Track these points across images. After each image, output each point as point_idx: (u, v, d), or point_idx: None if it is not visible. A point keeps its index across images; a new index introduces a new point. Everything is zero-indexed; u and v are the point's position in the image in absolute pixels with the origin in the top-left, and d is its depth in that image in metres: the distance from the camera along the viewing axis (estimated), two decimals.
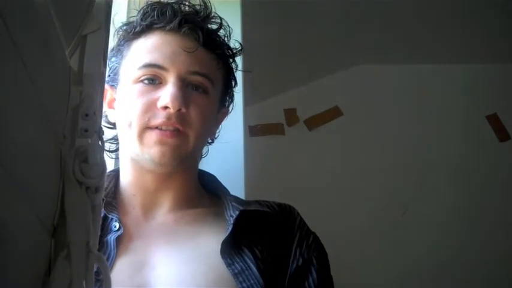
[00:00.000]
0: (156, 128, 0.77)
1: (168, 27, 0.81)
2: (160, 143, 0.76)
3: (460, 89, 1.91)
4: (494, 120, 1.91)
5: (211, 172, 0.93)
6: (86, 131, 0.44)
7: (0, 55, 0.29)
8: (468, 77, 1.91)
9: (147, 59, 0.79)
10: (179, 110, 0.77)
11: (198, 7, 0.86)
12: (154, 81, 0.79)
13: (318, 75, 1.90)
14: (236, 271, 0.73)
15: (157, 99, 0.77)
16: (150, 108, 0.77)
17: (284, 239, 0.80)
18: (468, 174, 1.84)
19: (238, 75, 1.23)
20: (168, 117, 0.76)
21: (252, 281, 0.72)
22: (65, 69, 0.44)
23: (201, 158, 0.92)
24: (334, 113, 1.93)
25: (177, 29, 0.81)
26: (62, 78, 0.44)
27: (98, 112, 0.48)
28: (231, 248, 0.75)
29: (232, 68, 0.90)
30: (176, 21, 0.81)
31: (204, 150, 0.91)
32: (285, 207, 0.85)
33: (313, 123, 1.91)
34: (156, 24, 0.82)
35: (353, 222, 1.76)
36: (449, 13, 1.71)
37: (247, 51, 1.28)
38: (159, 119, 0.76)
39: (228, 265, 0.73)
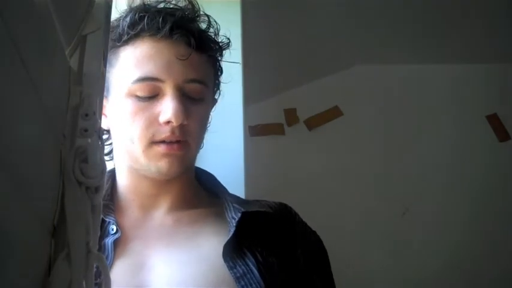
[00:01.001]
0: (161, 141, 0.76)
1: (159, 35, 0.78)
2: (168, 155, 0.76)
3: (460, 89, 1.91)
4: (494, 120, 1.91)
5: (212, 172, 0.93)
6: (86, 130, 0.44)
7: (0, 55, 0.29)
8: (468, 77, 1.91)
9: (142, 72, 0.77)
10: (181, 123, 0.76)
11: (184, 7, 0.84)
12: (151, 96, 0.77)
13: (318, 75, 1.91)
14: (238, 275, 0.72)
15: (157, 114, 0.76)
16: (152, 123, 0.76)
17: (285, 241, 0.80)
18: (468, 174, 1.84)
19: (239, 76, 1.24)
20: (172, 131, 0.76)
21: (254, 285, 0.72)
22: (65, 69, 0.44)
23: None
24: (334, 113, 1.93)
25: (168, 36, 0.78)
26: (62, 78, 0.44)
27: (98, 112, 0.48)
28: (233, 251, 0.75)
29: (220, 64, 0.88)
30: (167, 27, 0.78)
31: None
32: (282, 206, 0.85)
33: (313, 123, 1.91)
34: (146, 32, 0.79)
35: (353, 222, 1.76)
36: (449, 13, 1.71)
37: (248, 51, 1.28)
38: (163, 134, 0.76)
39: (230, 268, 0.73)
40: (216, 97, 0.90)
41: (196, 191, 0.87)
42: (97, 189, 0.43)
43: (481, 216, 1.79)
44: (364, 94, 1.92)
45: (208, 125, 0.88)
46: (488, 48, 1.83)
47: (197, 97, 0.80)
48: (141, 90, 0.77)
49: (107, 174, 0.84)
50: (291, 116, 1.92)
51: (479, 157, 1.86)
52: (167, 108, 0.75)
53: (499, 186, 1.82)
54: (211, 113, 0.89)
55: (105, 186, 0.82)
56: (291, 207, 0.86)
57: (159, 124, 0.76)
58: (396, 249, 1.76)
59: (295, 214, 0.85)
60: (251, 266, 0.74)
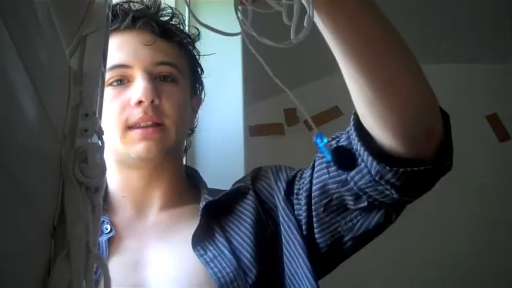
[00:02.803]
0: (136, 126, 0.78)
1: (122, 27, 0.82)
2: (144, 138, 0.77)
3: (460, 89, 1.91)
4: (494, 120, 1.91)
5: (212, 172, 0.93)
6: (86, 130, 0.44)
7: None
8: (468, 77, 1.91)
9: (112, 61, 0.80)
10: (152, 101, 0.77)
11: (147, 2, 0.88)
12: (122, 81, 0.80)
13: (318, 75, 1.90)
14: (208, 259, 0.73)
15: (129, 98, 0.78)
16: (125, 108, 0.78)
17: (252, 199, 0.81)
18: (468, 174, 1.84)
19: (239, 76, 1.24)
20: (145, 112, 0.77)
21: (224, 264, 0.72)
22: (65, 69, 0.44)
23: (185, 151, 0.93)
24: (334, 113, 1.93)
25: (131, 26, 0.82)
26: (62, 78, 0.44)
27: (98, 112, 0.48)
28: (205, 239, 0.76)
29: (195, 55, 0.91)
30: (129, 18, 0.82)
31: (187, 142, 0.93)
32: (254, 170, 0.87)
33: (313, 123, 1.91)
34: (110, 26, 0.82)
35: None
36: (450, 13, 1.71)
37: (247, 51, 1.27)
38: (137, 115, 0.77)
39: (201, 255, 0.73)
40: (198, 93, 0.92)
41: (186, 187, 0.88)
42: (97, 189, 0.43)
43: (480, 216, 1.79)
44: None
45: (195, 123, 0.91)
46: (488, 48, 1.83)
47: (168, 78, 0.82)
48: (112, 78, 0.80)
49: None
50: (291, 116, 1.92)
51: (479, 157, 1.86)
52: (137, 89, 0.78)
53: (499, 186, 1.82)
54: (198, 112, 0.91)
55: None
56: (263, 166, 0.87)
57: (132, 107, 0.78)
58: (395, 249, 1.76)
59: (263, 167, 0.86)
60: (222, 247, 0.74)
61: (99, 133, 0.47)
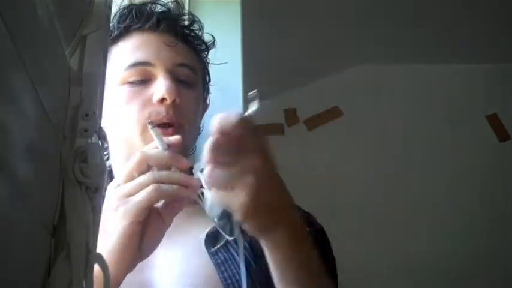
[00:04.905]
0: (157, 125, 0.77)
1: (146, 26, 0.83)
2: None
3: (460, 89, 1.91)
4: (494, 120, 1.91)
5: None
6: (86, 131, 0.44)
7: (0, 55, 0.29)
8: (468, 77, 1.91)
9: (133, 58, 0.80)
10: (174, 101, 0.78)
11: (170, 5, 0.89)
12: (144, 81, 0.80)
13: (318, 75, 1.91)
14: (219, 261, 0.73)
15: (151, 95, 0.78)
16: (146, 105, 0.78)
17: None
18: (468, 174, 1.84)
19: (238, 76, 1.24)
20: (167, 111, 0.77)
21: (234, 270, 0.72)
22: (65, 69, 0.44)
23: (190, 154, 0.93)
24: (334, 113, 1.93)
25: (155, 27, 0.83)
26: (62, 78, 0.44)
27: (98, 112, 0.48)
28: (216, 239, 0.75)
29: (206, 62, 0.92)
30: (154, 19, 0.83)
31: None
32: None
33: (313, 123, 1.91)
34: (134, 25, 0.83)
35: (352, 221, 1.76)
36: (450, 13, 1.71)
37: (248, 51, 1.28)
38: (160, 113, 0.77)
39: (212, 255, 0.73)
40: (205, 98, 0.92)
41: None
42: (97, 189, 0.43)
43: (481, 216, 1.79)
44: (364, 94, 1.92)
45: (201, 128, 0.90)
46: (488, 48, 1.83)
47: (188, 81, 0.82)
48: (133, 75, 0.80)
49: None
50: (291, 116, 1.92)
51: (479, 157, 1.86)
52: (160, 86, 0.78)
53: (499, 187, 1.83)
54: (203, 118, 0.90)
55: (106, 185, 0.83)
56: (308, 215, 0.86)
57: (153, 104, 0.78)
58: (396, 249, 1.76)
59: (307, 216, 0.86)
60: (233, 252, 0.74)
61: (99, 133, 0.47)
